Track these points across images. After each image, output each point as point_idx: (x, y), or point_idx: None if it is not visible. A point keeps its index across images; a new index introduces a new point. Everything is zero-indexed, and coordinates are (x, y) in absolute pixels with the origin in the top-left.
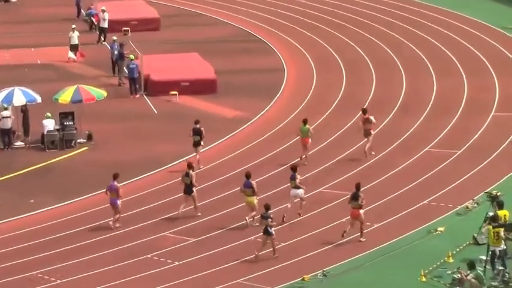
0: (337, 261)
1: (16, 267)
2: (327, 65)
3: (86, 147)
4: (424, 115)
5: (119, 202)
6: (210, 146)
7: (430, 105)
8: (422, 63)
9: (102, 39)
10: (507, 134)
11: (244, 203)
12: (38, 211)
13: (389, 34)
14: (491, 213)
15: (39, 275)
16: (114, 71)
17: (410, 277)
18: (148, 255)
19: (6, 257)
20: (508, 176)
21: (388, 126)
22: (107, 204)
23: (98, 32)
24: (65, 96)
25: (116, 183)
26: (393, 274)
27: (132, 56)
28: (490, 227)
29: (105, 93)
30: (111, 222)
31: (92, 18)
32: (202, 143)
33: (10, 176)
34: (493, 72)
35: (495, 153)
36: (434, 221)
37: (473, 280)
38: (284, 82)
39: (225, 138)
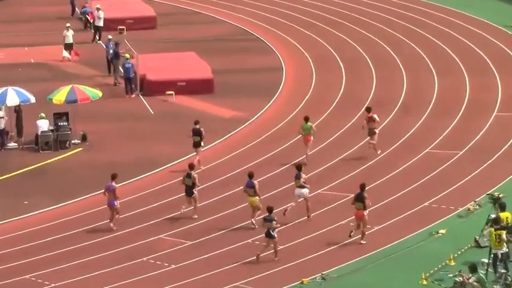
0: (337, 264)
1: (7, 271)
2: (326, 64)
3: (81, 148)
4: (425, 115)
5: (116, 203)
6: (207, 147)
7: (431, 105)
8: (423, 62)
9: (97, 38)
10: (510, 134)
11: (246, 203)
12: (32, 213)
13: (390, 32)
14: (493, 216)
15: (33, 279)
16: (109, 71)
17: (411, 280)
18: (144, 258)
19: None
20: (511, 177)
21: (388, 126)
22: (103, 205)
23: (92, 31)
24: (60, 96)
25: (114, 183)
26: (394, 277)
27: (127, 55)
28: (492, 229)
29: (100, 93)
30: (111, 225)
31: (86, 16)
32: (202, 143)
33: (3, 177)
34: (495, 72)
35: (497, 154)
36: (435, 223)
37: (475, 283)
38: (283, 81)
39: (222, 138)
